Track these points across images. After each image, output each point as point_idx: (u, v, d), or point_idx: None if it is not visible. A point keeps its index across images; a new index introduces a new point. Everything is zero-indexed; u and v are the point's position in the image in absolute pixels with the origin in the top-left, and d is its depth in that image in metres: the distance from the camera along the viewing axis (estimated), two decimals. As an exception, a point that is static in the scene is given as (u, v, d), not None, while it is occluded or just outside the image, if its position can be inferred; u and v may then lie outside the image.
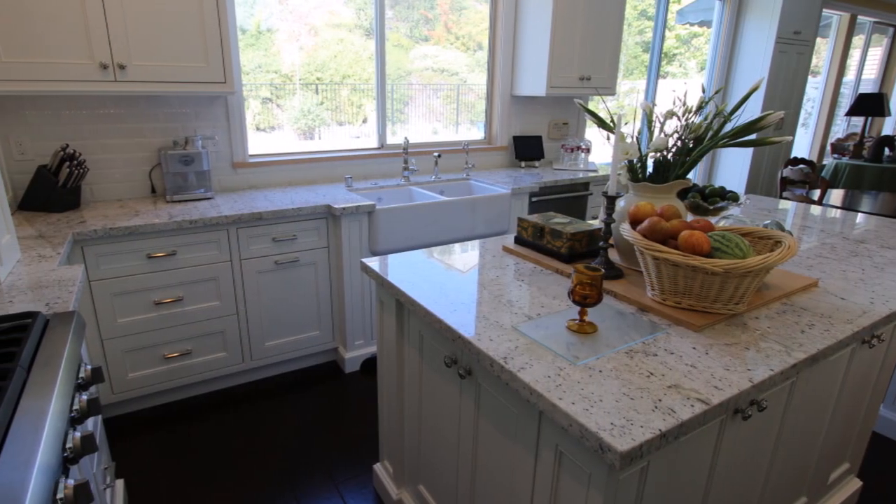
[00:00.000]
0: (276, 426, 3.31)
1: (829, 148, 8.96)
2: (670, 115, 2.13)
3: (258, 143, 4.32)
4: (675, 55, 7.23)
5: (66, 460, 1.29)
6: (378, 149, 4.80)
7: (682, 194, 2.66)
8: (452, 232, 4.05)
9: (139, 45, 3.18)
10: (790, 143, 7.72)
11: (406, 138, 4.52)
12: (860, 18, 8.46)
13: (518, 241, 2.56)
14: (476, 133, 5.49)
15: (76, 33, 3.01)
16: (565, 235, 2.29)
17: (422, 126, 5.17)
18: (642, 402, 1.31)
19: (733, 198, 2.62)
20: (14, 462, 1.08)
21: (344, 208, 3.50)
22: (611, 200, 2.07)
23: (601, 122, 2.27)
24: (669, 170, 2.14)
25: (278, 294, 3.63)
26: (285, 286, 3.64)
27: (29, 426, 1.20)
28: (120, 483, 2.58)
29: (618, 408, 1.29)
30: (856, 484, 2.65)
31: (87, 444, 1.38)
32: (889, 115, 8.19)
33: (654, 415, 1.26)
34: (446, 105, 5.31)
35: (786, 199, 5.64)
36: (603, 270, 1.68)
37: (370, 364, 3.99)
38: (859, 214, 3.43)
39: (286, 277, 3.62)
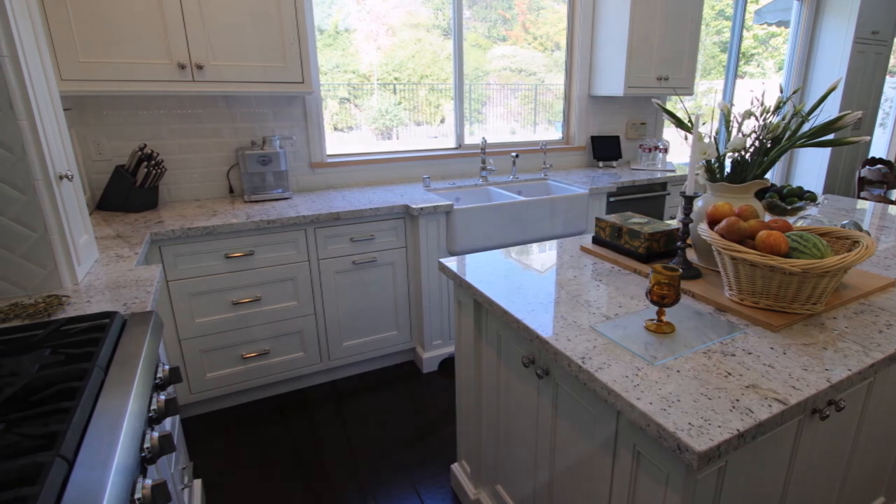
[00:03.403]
0: (354, 426, 3.36)
1: (906, 148, 8.72)
2: (748, 115, 2.12)
3: (336, 143, 4.40)
4: (752, 55, 7.13)
5: (144, 460, 1.32)
6: (456, 149, 4.84)
7: (760, 194, 2.64)
8: (530, 232, 4.07)
9: (217, 46, 3.27)
10: (868, 144, 7.53)
11: (484, 138, 4.55)
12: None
13: (596, 241, 2.58)
14: (554, 133, 5.49)
15: (154, 34, 3.10)
16: (643, 235, 2.30)
17: (499, 126, 5.20)
18: (720, 402, 1.33)
19: (811, 198, 2.59)
20: (92, 462, 1.10)
21: (422, 208, 3.55)
22: (688, 200, 2.07)
23: (679, 122, 2.27)
24: (747, 170, 2.14)
25: (356, 294, 3.69)
26: (363, 286, 3.69)
27: (107, 426, 1.22)
28: (198, 483, 2.62)
29: (695, 408, 1.30)
30: (937, 487, 2.60)
31: (165, 444, 1.42)
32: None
33: (731, 415, 1.27)
34: (524, 105, 5.33)
35: (863, 199, 5.51)
36: (681, 270, 1.69)
37: (448, 364, 4.03)
38: (941, 214, 3.35)
39: (364, 277, 3.68)
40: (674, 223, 2.56)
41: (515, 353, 2.04)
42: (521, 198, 4.03)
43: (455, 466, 2.81)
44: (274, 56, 3.43)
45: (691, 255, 2.38)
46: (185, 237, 3.07)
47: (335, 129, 4.42)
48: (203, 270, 3.18)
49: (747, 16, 6.37)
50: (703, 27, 5.18)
